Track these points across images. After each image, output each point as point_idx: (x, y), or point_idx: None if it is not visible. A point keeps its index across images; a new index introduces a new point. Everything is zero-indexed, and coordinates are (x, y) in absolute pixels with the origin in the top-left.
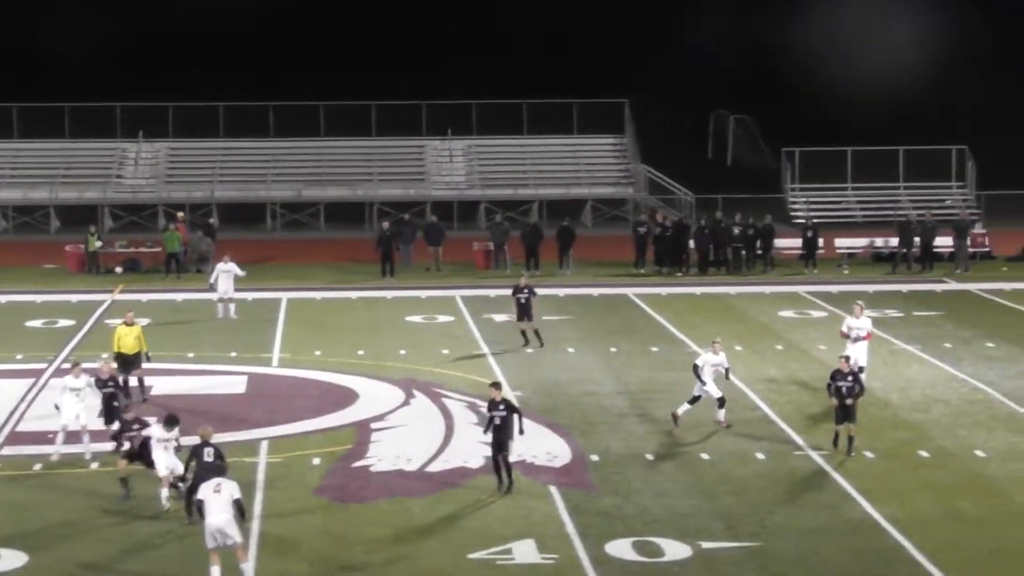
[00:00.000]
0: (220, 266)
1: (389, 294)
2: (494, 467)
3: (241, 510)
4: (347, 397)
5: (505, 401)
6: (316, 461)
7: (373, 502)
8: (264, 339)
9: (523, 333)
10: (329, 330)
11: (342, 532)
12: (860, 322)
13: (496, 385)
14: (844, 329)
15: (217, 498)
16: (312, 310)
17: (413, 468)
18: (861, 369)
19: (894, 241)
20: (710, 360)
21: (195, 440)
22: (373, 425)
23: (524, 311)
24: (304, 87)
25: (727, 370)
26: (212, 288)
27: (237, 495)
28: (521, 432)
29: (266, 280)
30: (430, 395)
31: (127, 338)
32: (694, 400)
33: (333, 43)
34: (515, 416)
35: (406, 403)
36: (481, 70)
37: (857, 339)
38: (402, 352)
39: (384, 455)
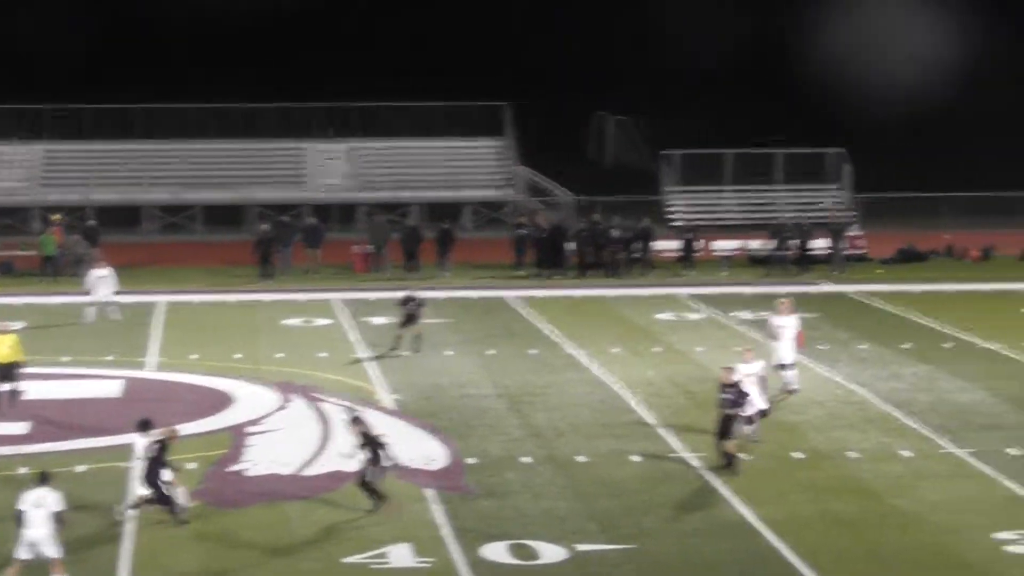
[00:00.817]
0: (95, 272)
1: (267, 297)
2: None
3: (60, 521)
4: (223, 401)
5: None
6: (192, 466)
7: (248, 507)
8: (141, 343)
9: (398, 338)
10: (206, 333)
11: (217, 537)
12: (785, 320)
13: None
14: (770, 327)
15: (37, 512)
16: (190, 313)
17: (289, 472)
18: (783, 366)
19: (772, 244)
20: (744, 371)
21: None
22: (249, 429)
23: (410, 320)
24: (183, 89)
25: (762, 379)
26: (87, 292)
27: (57, 508)
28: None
29: (144, 283)
30: (307, 399)
31: (1, 347)
32: (750, 419)
33: (213, 44)
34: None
35: (283, 407)
36: (362, 73)
37: (781, 337)
38: (280, 355)
39: (260, 459)
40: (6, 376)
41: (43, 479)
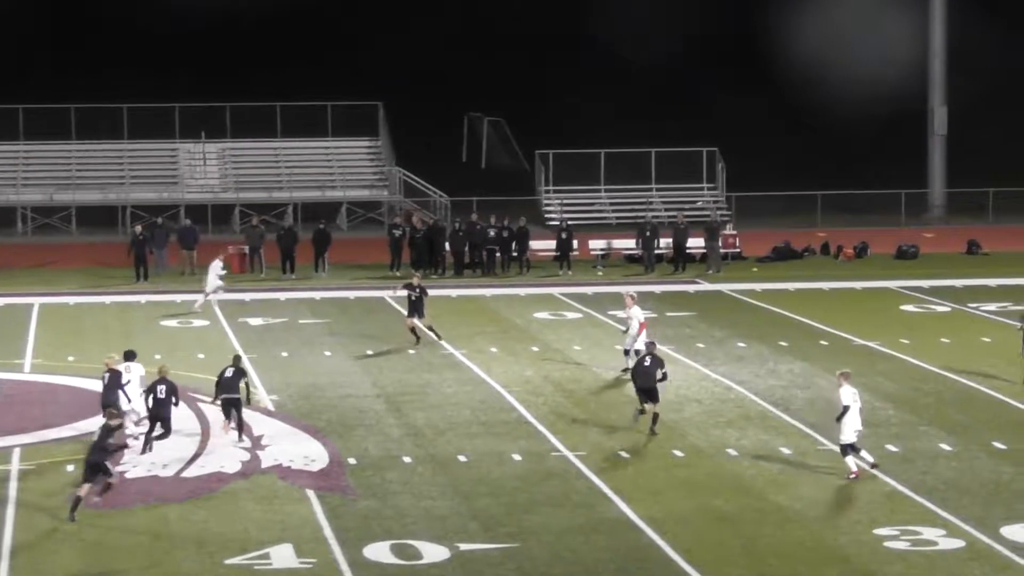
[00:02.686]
0: None
1: (143, 298)
2: None
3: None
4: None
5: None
6: (70, 468)
7: (128, 508)
8: (15, 345)
9: (413, 331)
10: (82, 335)
11: (97, 539)
12: (632, 312)
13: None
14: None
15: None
16: (65, 315)
17: (169, 474)
18: (627, 352)
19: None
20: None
21: None
22: (127, 431)
23: (415, 308)
24: (54, 90)
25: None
26: None
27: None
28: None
29: (17, 285)
30: (186, 400)
31: None
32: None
33: (83, 45)
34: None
35: None
36: (233, 73)
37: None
38: (157, 357)
39: (139, 461)
40: None
41: None
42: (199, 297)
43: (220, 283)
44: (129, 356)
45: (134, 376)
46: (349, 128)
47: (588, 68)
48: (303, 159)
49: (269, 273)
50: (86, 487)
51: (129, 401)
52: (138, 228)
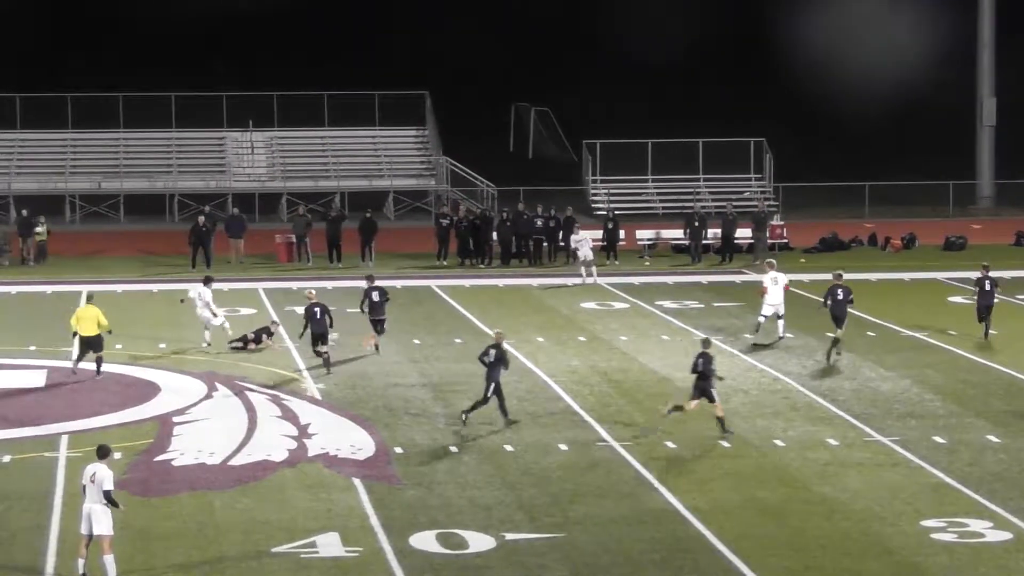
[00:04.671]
0: None
1: (191, 288)
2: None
3: (111, 500)
4: (149, 391)
5: None
6: (117, 456)
7: (175, 496)
8: (64, 333)
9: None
10: (130, 323)
11: (144, 527)
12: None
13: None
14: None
15: (92, 486)
16: (113, 303)
17: (216, 462)
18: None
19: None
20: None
21: None
22: (175, 419)
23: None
24: (102, 77)
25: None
26: None
27: (108, 486)
28: None
29: (66, 273)
30: (233, 388)
31: None
32: None
33: (130, 32)
34: None
35: (208, 396)
36: (283, 61)
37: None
38: (204, 345)
39: (186, 449)
40: None
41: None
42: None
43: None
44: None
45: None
46: (396, 117)
47: (636, 59)
48: (350, 148)
49: (316, 262)
50: None
51: None
52: (201, 219)
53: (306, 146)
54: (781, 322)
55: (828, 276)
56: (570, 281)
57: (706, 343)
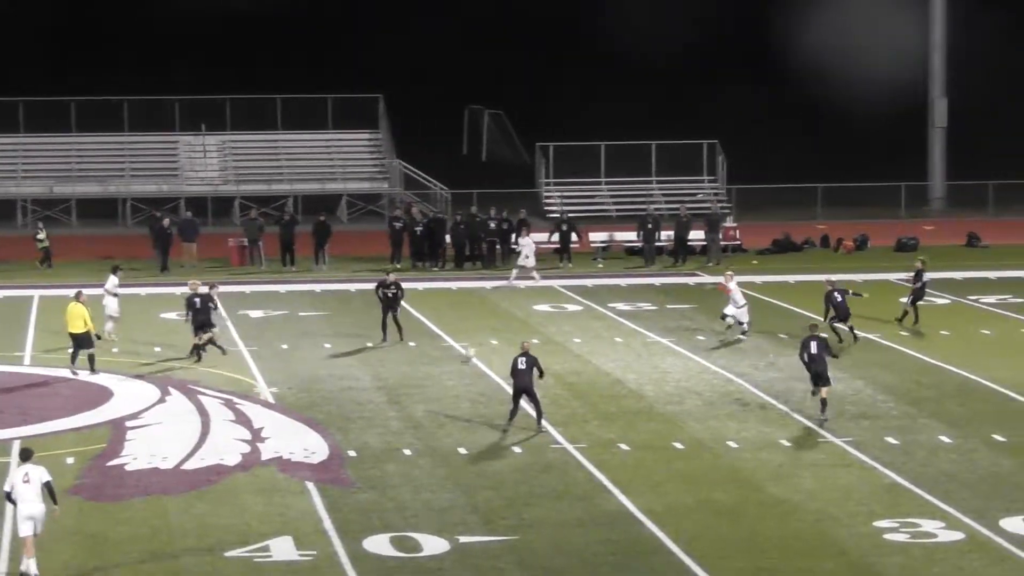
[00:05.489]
0: None
1: (144, 291)
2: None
3: (51, 493)
4: (101, 395)
5: None
6: (70, 461)
7: (128, 501)
8: (16, 338)
9: (386, 327)
10: None
11: (97, 531)
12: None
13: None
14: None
15: (27, 487)
16: (65, 307)
17: (169, 466)
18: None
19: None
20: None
21: None
22: (128, 424)
23: (390, 305)
24: (55, 83)
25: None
26: None
27: (48, 477)
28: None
29: (18, 278)
30: (186, 392)
31: None
32: None
33: (84, 36)
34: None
35: (162, 400)
36: (236, 65)
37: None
38: (157, 349)
39: (139, 453)
40: None
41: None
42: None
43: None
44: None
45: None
46: (350, 120)
47: (589, 61)
48: (303, 152)
49: (269, 265)
50: None
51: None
52: (167, 221)
53: (259, 150)
54: (743, 324)
55: (782, 278)
56: (522, 284)
57: (814, 327)
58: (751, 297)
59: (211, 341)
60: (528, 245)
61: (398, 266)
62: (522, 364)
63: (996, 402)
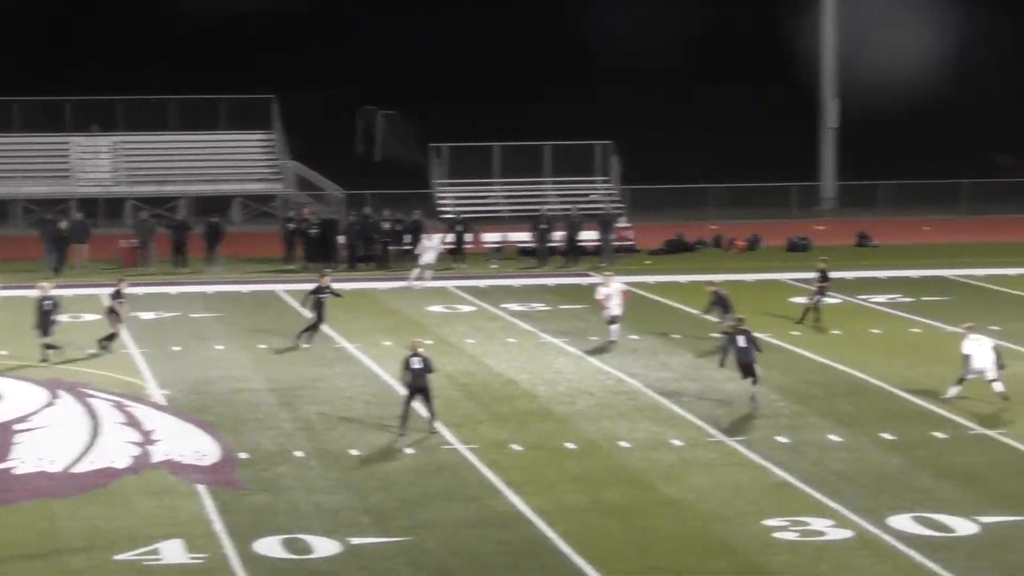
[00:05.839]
0: None
1: (33, 293)
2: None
3: None
4: None
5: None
6: None
7: (16, 505)
8: None
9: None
10: None
11: None
12: (613, 287)
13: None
14: (600, 297)
15: None
16: None
17: (57, 470)
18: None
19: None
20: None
21: None
22: (16, 427)
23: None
24: None
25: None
26: None
27: None
28: None
29: None
30: (76, 395)
31: None
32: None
33: None
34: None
35: (51, 403)
36: (126, 66)
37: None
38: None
39: (27, 457)
40: None
41: None
42: None
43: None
44: None
45: None
46: (243, 121)
47: (482, 61)
48: (196, 153)
49: (160, 267)
50: None
51: None
52: (65, 223)
53: (151, 150)
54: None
55: (674, 278)
56: (416, 284)
57: (739, 321)
58: (643, 298)
59: (49, 346)
60: (435, 246)
61: (328, 270)
62: (416, 364)
63: (885, 401)
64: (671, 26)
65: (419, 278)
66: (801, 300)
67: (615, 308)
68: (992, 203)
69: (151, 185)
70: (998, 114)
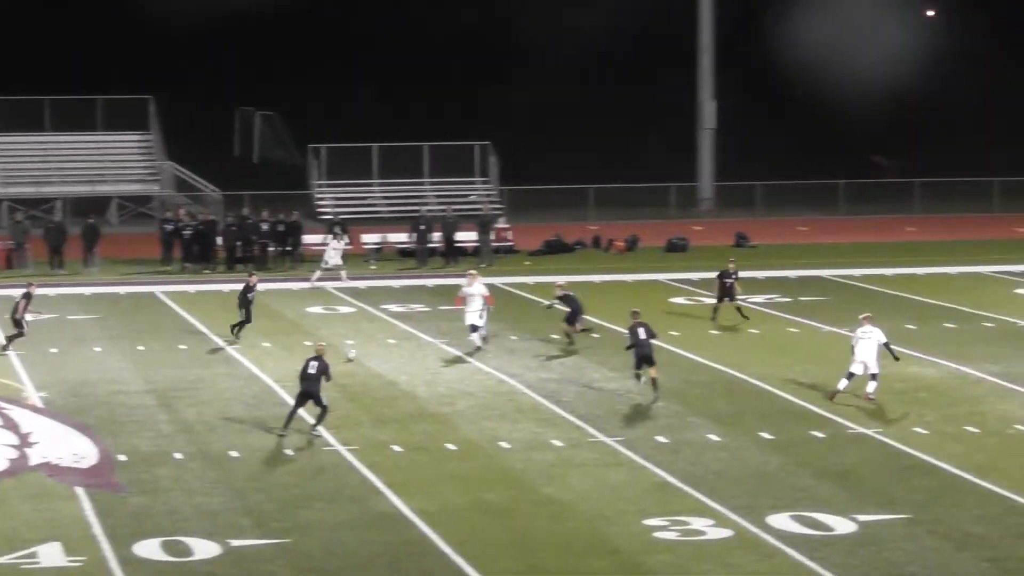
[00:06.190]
0: None
1: None
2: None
3: None
4: None
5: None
6: None
7: None
8: None
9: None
10: None
11: None
12: (475, 288)
13: None
14: (459, 295)
15: None
16: None
17: None
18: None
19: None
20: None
21: None
22: None
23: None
24: None
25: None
26: None
27: None
28: None
29: None
30: None
31: None
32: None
33: None
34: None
35: None
36: (1, 66)
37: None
38: None
39: None
40: None
41: None
42: None
43: None
44: None
45: None
46: (119, 122)
47: (363, 62)
48: (72, 153)
49: (37, 268)
50: None
51: None
52: None
53: (27, 151)
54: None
55: (553, 278)
56: (295, 285)
57: (636, 313)
58: (522, 298)
59: None
60: (338, 247)
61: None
62: (312, 368)
63: (763, 400)
64: (552, 28)
65: (330, 279)
66: (680, 300)
67: (472, 315)
68: (869, 204)
69: (28, 186)
70: (875, 115)
